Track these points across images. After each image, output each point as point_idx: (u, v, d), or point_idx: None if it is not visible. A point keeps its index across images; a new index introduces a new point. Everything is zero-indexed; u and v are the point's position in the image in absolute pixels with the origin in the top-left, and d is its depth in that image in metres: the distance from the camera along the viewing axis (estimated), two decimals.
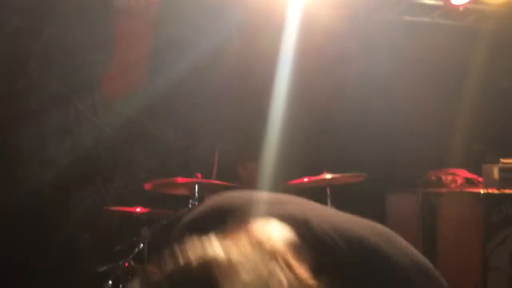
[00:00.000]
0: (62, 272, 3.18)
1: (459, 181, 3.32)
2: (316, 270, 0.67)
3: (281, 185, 3.21)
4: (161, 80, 4.17)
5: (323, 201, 2.81)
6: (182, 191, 2.76)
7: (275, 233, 0.71)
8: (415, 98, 4.13)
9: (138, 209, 2.74)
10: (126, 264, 2.57)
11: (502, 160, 3.10)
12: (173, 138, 4.24)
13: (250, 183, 3.40)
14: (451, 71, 4.02)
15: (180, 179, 2.67)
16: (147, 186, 2.71)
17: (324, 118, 4.29)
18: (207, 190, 2.75)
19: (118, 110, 4.15)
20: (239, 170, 3.49)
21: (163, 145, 4.20)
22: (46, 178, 3.56)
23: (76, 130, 4.04)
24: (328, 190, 2.78)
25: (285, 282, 0.62)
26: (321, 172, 2.86)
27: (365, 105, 4.23)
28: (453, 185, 3.30)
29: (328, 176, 2.78)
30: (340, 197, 2.95)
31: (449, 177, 3.34)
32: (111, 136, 4.12)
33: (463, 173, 3.38)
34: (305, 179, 2.89)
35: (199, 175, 2.65)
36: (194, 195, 2.56)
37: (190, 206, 2.54)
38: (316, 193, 2.94)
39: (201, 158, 4.23)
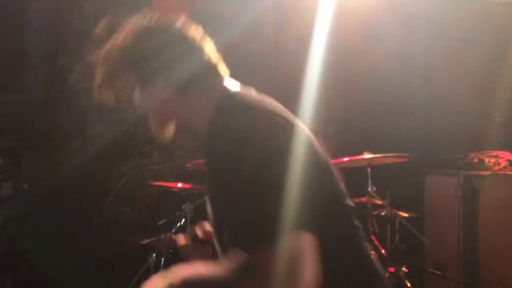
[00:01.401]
0: (106, 243, 3.28)
1: (503, 163, 3.23)
2: None
3: None
4: None
5: (363, 182, 2.79)
6: None
7: None
8: (455, 76, 4.02)
9: (179, 185, 2.78)
10: (169, 238, 2.63)
11: None
12: None
13: None
14: (492, 49, 3.88)
15: None
16: (188, 165, 2.74)
17: (361, 97, 4.23)
18: None
19: None
20: None
21: None
22: (88, 154, 3.64)
23: (115, 107, 4.10)
24: (369, 171, 2.75)
25: None
26: (361, 152, 2.83)
27: (403, 84, 4.14)
28: (496, 168, 3.22)
29: (369, 156, 2.75)
30: (379, 178, 2.92)
31: (492, 159, 3.26)
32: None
33: (507, 156, 3.29)
34: (345, 159, 2.87)
35: None
36: None
37: None
38: (356, 173, 2.92)
39: None
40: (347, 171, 3.44)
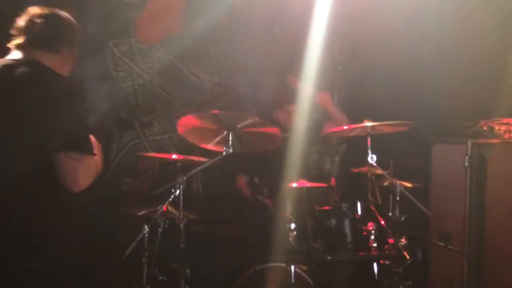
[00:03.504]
0: (105, 216, 3.25)
1: None
2: None
3: (320, 131, 3.10)
4: (197, 25, 4.05)
5: (364, 151, 2.68)
6: (215, 147, 2.69)
7: None
8: (466, 42, 3.82)
9: (174, 156, 2.72)
10: (164, 209, 2.59)
11: None
12: (210, 83, 4.16)
13: (289, 127, 3.31)
14: (504, 13, 3.65)
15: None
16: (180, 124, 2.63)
17: (369, 64, 4.06)
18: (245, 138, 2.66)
19: (154, 55, 4.08)
20: (278, 114, 3.40)
21: (200, 91, 4.14)
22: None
23: (114, 76, 4.03)
24: (368, 140, 2.63)
25: None
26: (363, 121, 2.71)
27: (412, 51, 3.97)
28: (506, 136, 3.07)
29: (369, 124, 2.63)
30: (384, 147, 2.80)
31: (503, 127, 3.10)
32: (148, 82, 4.09)
33: None
34: (345, 127, 2.76)
35: None
36: (228, 143, 2.49)
37: (224, 153, 2.48)
38: (360, 143, 2.81)
39: (238, 104, 4.14)
40: (352, 140, 3.34)
